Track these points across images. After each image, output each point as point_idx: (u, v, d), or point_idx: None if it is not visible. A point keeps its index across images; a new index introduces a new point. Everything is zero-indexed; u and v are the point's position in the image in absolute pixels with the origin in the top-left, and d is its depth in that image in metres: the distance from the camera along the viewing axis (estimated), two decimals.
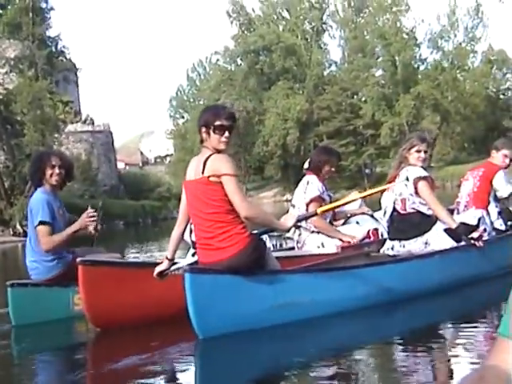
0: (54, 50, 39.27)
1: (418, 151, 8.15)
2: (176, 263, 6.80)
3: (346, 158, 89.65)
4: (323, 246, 8.89)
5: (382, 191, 8.35)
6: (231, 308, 6.22)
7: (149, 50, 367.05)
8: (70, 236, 7.73)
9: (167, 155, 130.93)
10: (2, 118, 34.96)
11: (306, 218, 7.74)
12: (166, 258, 6.83)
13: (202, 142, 6.49)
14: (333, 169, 9.34)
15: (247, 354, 6.00)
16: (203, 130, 6.37)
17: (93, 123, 55.88)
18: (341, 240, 8.96)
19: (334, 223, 9.46)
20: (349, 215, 9.78)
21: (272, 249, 8.95)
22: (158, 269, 6.77)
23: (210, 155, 6.28)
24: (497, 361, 1.47)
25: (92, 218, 7.70)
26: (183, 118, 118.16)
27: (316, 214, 7.75)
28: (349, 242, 8.87)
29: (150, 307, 7.00)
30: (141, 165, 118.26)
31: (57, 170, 7.86)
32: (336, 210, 9.27)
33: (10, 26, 36.69)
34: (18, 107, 35.16)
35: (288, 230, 7.23)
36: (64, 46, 41.47)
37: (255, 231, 6.71)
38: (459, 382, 1.56)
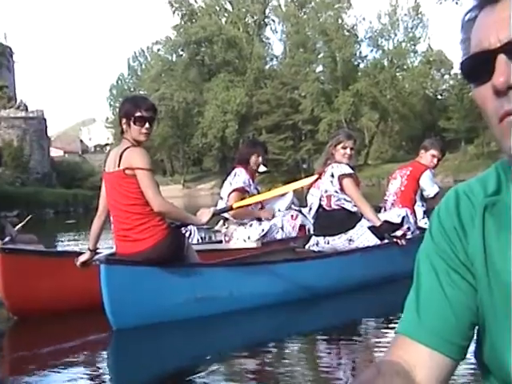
0: None
1: (344, 148, 8.17)
2: (99, 253, 6.77)
3: (284, 153, 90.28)
4: (250, 239, 8.94)
5: (307, 186, 8.35)
6: (147, 300, 6.21)
7: (91, 37, 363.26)
8: None
9: (107, 144, 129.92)
10: None
11: (221, 212, 7.66)
12: (88, 248, 6.84)
13: (122, 133, 6.46)
14: (260, 158, 9.42)
15: (161, 346, 5.92)
16: (123, 121, 6.37)
17: (26, 109, 54.70)
18: (260, 218, 9.26)
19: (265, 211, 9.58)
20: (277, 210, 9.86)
21: (200, 241, 9.18)
22: (80, 259, 6.80)
23: (127, 148, 6.26)
24: (394, 356, 1.50)
25: None
26: None
27: (231, 209, 7.66)
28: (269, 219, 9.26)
29: (68, 297, 6.94)
30: (80, 153, 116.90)
31: None
32: (265, 203, 9.53)
33: None
34: None
35: (207, 223, 7.13)
36: None
37: (174, 224, 6.65)
38: (359, 376, 1.60)
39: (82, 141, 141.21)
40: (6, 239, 7.82)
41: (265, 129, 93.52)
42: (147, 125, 6.34)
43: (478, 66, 1.36)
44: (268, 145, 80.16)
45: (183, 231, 7.06)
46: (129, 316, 6.05)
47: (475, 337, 1.52)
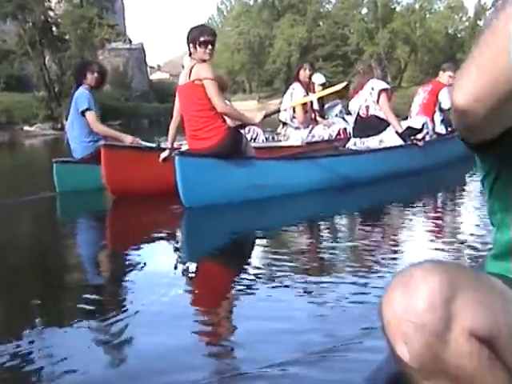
0: None
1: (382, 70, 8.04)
2: (176, 149, 6.69)
3: (336, 76, 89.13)
4: (302, 139, 8.80)
5: (341, 89, 8.09)
6: (211, 185, 6.10)
7: None
8: (113, 135, 7.68)
9: None
10: (53, 37, 35.03)
11: (271, 114, 7.36)
12: (167, 147, 6.89)
13: (190, 54, 6.35)
14: (307, 72, 9.11)
15: (222, 222, 5.88)
16: (191, 45, 6.27)
17: (130, 42, 55.45)
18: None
19: (319, 120, 9.59)
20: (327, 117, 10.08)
21: (264, 141, 8.95)
22: (162, 155, 6.84)
23: (195, 64, 6.18)
24: None
25: (132, 143, 7.51)
26: None
27: (279, 111, 7.83)
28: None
29: (152, 182, 6.84)
30: None
31: (95, 75, 7.84)
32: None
33: None
34: (63, 28, 35.41)
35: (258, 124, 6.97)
36: None
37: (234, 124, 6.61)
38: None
39: (183, 66, 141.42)
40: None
41: (321, 57, 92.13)
42: (210, 46, 6.24)
43: None
44: (323, 70, 79.66)
45: (242, 131, 6.86)
46: (197, 197, 5.97)
47: None
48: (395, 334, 1.03)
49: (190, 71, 6.15)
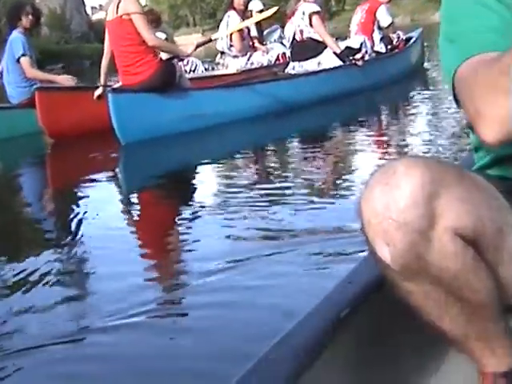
0: None
1: None
2: (110, 86, 6.63)
3: (278, 3, 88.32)
4: (241, 67, 8.66)
5: (272, 14, 8.13)
6: (147, 119, 6.03)
7: None
8: (48, 79, 7.50)
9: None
10: None
11: (202, 44, 7.39)
12: (101, 84, 6.84)
13: None
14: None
15: (161, 155, 5.86)
16: None
17: None
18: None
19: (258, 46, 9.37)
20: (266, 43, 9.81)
21: (204, 72, 8.78)
22: (95, 93, 6.82)
23: None
24: None
25: (68, 83, 7.41)
26: None
27: (210, 40, 7.66)
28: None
29: (89, 122, 6.69)
30: None
31: (30, 17, 7.59)
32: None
33: None
34: None
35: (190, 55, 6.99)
36: None
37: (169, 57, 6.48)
38: None
39: None
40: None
41: None
42: None
43: None
44: None
45: (180, 63, 6.90)
46: (132, 133, 5.87)
47: None
48: (376, 233, 1.00)
49: (118, 6, 6.01)
